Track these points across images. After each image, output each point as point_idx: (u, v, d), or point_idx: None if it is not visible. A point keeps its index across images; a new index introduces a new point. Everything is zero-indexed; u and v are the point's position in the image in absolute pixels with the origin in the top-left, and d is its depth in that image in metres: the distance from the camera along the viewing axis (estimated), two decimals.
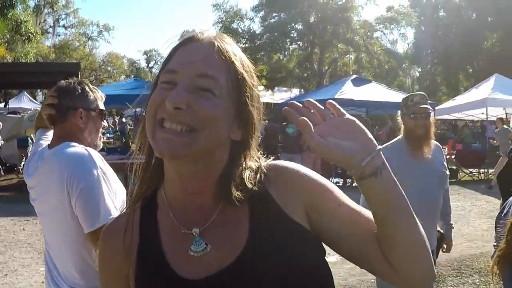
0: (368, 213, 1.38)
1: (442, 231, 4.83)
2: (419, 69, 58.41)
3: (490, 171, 17.56)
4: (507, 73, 28.02)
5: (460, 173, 19.51)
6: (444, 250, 4.96)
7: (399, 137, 4.59)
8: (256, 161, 1.43)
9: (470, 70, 51.49)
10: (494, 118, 19.28)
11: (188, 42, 1.34)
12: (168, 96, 1.24)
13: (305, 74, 42.30)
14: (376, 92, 21.50)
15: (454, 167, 18.97)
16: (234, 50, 1.35)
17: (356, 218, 1.39)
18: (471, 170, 19.72)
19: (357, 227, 1.38)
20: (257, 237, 1.33)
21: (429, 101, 4.64)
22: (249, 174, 1.37)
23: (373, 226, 1.35)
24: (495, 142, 17.49)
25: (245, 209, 1.36)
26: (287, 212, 1.36)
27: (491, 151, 21.18)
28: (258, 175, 1.39)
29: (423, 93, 4.63)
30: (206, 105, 1.25)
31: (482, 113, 21.45)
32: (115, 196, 2.76)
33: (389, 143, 4.64)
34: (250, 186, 1.34)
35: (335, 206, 1.39)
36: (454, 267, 8.08)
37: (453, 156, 19.89)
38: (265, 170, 1.41)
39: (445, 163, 4.70)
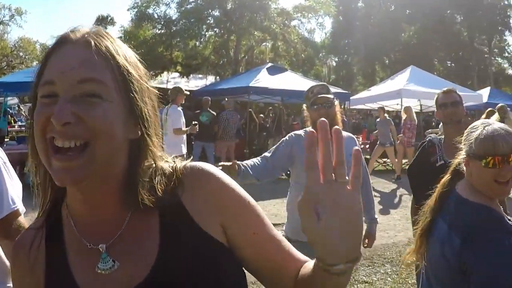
0: (288, 247, 1.32)
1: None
2: (336, 59, 59.43)
3: (404, 161, 17.35)
4: (423, 65, 28.83)
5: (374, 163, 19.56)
6: (365, 245, 4.91)
7: (309, 128, 4.40)
8: (170, 162, 1.33)
9: (387, 61, 52.95)
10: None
11: (61, 45, 1.20)
12: (52, 112, 1.11)
13: (221, 62, 42.07)
14: (291, 80, 21.43)
15: (368, 157, 18.94)
16: (114, 44, 1.24)
17: (271, 252, 1.30)
18: (384, 160, 19.59)
19: (271, 260, 1.29)
20: (168, 253, 1.23)
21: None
22: (160, 179, 1.27)
23: (290, 266, 1.28)
24: (376, 132, 17.56)
25: (155, 220, 1.26)
26: (200, 224, 1.26)
27: None
28: (172, 180, 1.28)
29: (325, 83, 4.66)
30: (96, 113, 1.14)
31: (397, 104, 21.64)
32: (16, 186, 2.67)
33: (298, 131, 4.62)
34: (160, 194, 1.24)
35: (250, 234, 1.30)
36: (366, 256, 7.97)
37: (367, 146, 20.10)
38: (179, 174, 1.30)
39: None
